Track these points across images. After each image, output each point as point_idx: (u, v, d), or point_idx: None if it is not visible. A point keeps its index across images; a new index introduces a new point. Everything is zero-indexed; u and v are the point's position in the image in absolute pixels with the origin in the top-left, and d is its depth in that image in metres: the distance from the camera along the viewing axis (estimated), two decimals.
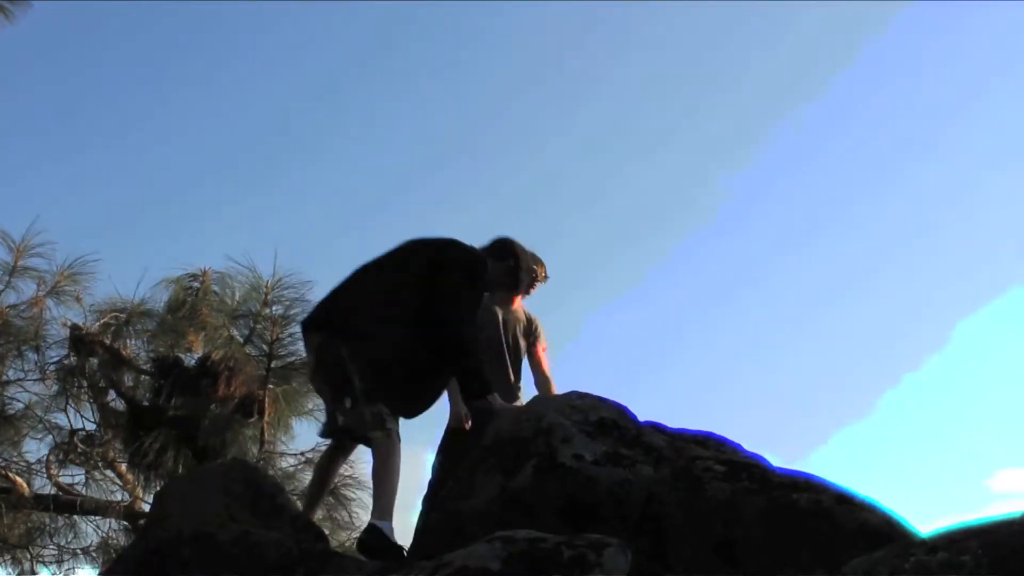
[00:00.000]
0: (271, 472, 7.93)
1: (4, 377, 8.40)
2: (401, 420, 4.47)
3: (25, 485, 8.25)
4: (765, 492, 3.42)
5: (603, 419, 3.88)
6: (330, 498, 8.38)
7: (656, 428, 3.99)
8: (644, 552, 3.18)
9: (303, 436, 8.95)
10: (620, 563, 2.68)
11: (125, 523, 8.62)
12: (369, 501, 5.35)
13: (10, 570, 8.47)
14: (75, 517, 8.68)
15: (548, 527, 3.00)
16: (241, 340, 8.52)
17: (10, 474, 8.25)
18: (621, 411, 4.00)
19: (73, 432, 8.53)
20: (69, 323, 8.50)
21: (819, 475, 3.56)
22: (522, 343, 5.61)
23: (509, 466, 3.66)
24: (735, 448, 3.93)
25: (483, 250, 5.10)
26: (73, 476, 8.72)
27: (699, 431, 4.02)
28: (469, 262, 4.75)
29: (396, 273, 4.66)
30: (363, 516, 8.22)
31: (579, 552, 2.70)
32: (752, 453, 3.91)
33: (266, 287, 8.59)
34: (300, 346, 8.59)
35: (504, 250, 5.25)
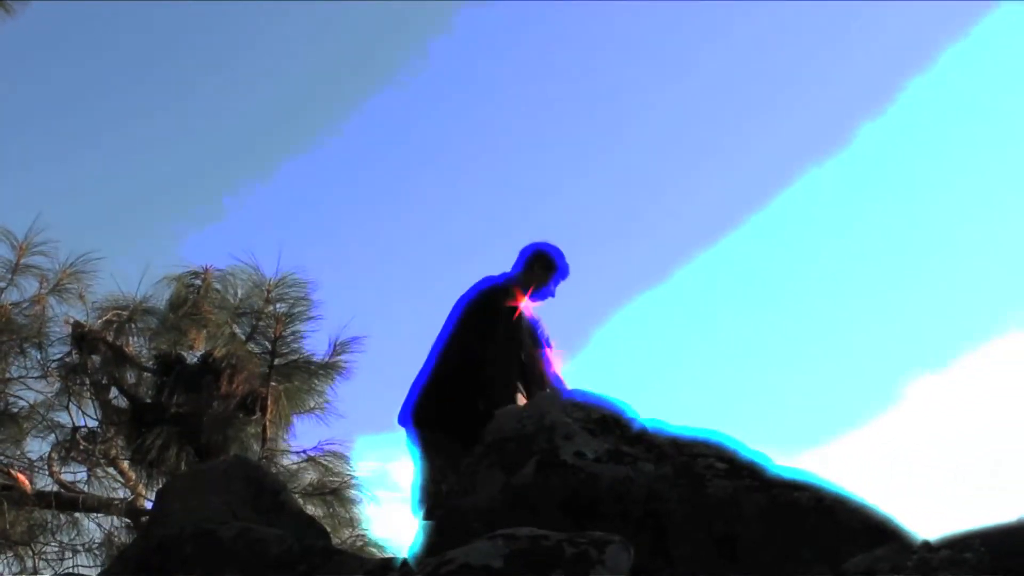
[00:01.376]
0: (273, 470, 7.94)
1: (6, 375, 8.42)
2: None
3: (27, 482, 8.26)
4: (766, 490, 3.43)
5: (604, 417, 3.89)
6: (331, 496, 8.40)
7: (657, 426, 4.00)
8: (645, 549, 3.19)
9: (305, 434, 8.97)
10: (622, 560, 2.68)
11: (127, 520, 8.64)
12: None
13: (12, 567, 8.49)
14: (77, 514, 8.69)
15: (550, 524, 3.00)
16: (243, 337, 8.54)
17: (12, 471, 8.26)
18: (622, 409, 4.02)
19: (75, 429, 8.54)
20: (71, 320, 8.52)
21: (820, 476, 3.58)
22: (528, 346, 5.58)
23: (511, 463, 3.67)
24: (736, 449, 3.94)
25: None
26: (75, 473, 8.74)
27: (699, 432, 4.03)
28: (472, 300, 5.03)
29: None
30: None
31: (581, 549, 2.70)
32: (753, 454, 3.92)
33: (268, 285, 8.61)
34: (302, 344, 8.61)
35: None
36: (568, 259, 5.48)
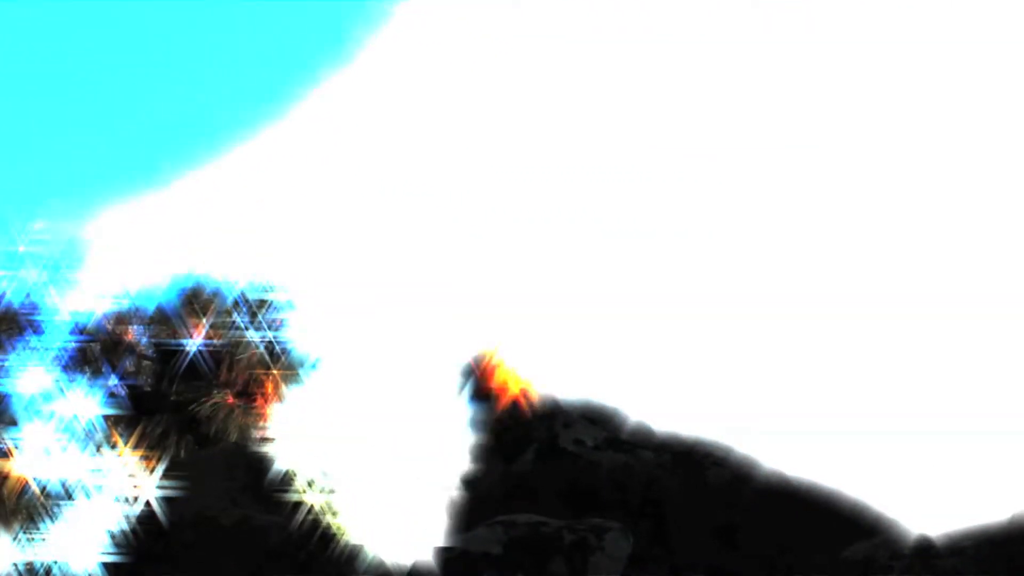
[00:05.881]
0: (272, 458, 7.95)
1: (7, 363, 8.43)
2: None
3: (28, 470, 8.27)
4: (764, 480, 3.45)
5: (603, 408, 3.91)
6: (331, 486, 8.42)
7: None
8: (645, 537, 3.20)
9: (306, 424, 8.96)
10: (622, 547, 2.70)
11: (127, 507, 8.65)
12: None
13: (13, 553, 8.51)
14: (77, 501, 8.71)
15: (550, 510, 3.02)
16: (243, 326, 8.54)
17: (12, 459, 8.28)
18: (617, 408, 4.04)
19: (75, 417, 8.54)
20: (72, 309, 8.51)
21: (813, 474, 3.61)
22: None
23: (510, 450, 3.68)
24: (729, 447, 3.96)
25: None
26: (75, 461, 8.74)
27: (692, 437, 4.05)
28: None
29: None
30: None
31: (581, 536, 2.71)
32: (744, 455, 3.94)
33: (270, 276, 8.60)
34: (303, 334, 8.61)
35: None
36: None
